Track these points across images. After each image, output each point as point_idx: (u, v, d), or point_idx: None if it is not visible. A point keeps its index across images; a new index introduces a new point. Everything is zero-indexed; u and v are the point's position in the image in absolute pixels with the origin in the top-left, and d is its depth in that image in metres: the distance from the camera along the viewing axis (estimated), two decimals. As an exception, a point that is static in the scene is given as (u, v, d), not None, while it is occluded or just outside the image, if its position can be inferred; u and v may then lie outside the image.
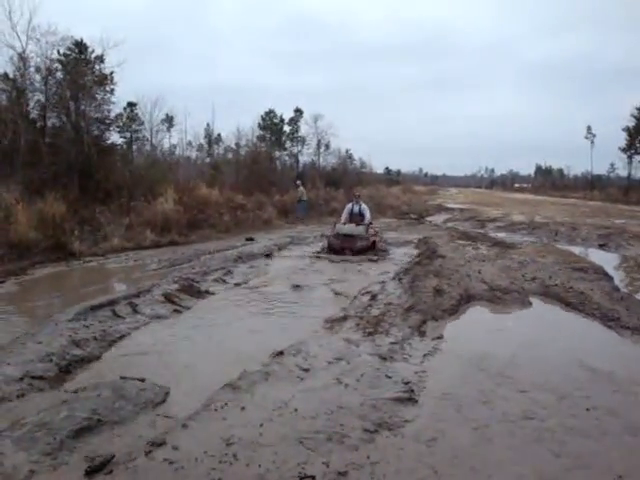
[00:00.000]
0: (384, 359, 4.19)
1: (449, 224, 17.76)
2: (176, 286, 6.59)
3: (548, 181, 67.34)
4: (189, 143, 31.44)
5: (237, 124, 51.30)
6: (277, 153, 30.37)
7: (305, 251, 10.52)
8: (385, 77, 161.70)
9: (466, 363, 4.22)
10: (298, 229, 15.51)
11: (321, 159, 32.27)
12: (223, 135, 33.21)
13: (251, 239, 12.45)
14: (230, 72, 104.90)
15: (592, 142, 46.16)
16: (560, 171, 71.04)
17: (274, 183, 21.47)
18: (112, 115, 17.39)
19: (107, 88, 16.23)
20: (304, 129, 32.61)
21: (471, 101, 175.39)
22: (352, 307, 5.88)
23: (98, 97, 16.02)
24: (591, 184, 47.52)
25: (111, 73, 16.08)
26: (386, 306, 5.82)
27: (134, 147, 25.81)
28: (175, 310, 5.82)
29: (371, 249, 10.17)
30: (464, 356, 4.37)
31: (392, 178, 52.47)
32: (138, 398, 3.40)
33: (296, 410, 3.24)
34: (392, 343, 4.57)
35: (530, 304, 6.25)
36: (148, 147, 25.43)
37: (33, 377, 3.70)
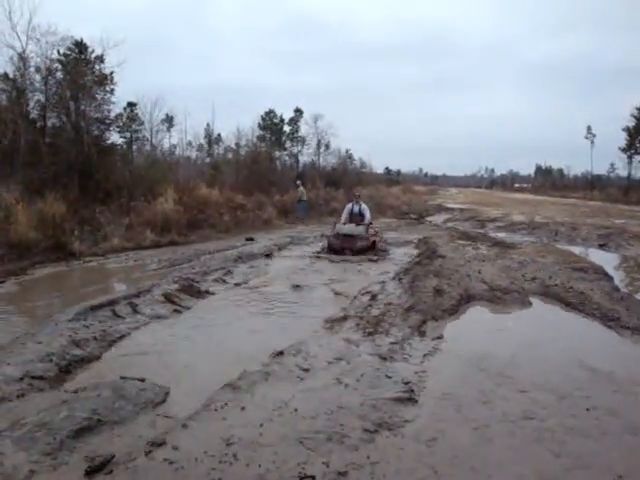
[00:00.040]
0: (384, 359, 4.19)
1: (449, 224, 17.76)
2: (176, 286, 6.59)
3: (548, 181, 67.36)
4: (189, 143, 31.50)
5: (237, 124, 51.38)
6: (277, 153, 30.38)
7: (305, 251, 10.52)
8: (385, 77, 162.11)
9: (466, 363, 4.22)
10: (298, 229, 15.51)
11: (321, 159, 32.32)
12: (223, 135, 33.27)
13: (251, 239, 12.46)
14: (230, 72, 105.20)
15: (592, 142, 46.22)
16: (560, 171, 71.15)
17: (274, 183, 21.48)
18: (112, 115, 17.44)
19: (107, 88, 16.25)
20: (304, 129, 32.67)
21: (471, 101, 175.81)
22: (352, 307, 5.88)
23: (98, 97, 16.04)
24: (591, 184, 47.52)
25: (111, 73, 16.12)
26: (386, 306, 5.82)
27: (134, 147, 25.83)
28: (175, 310, 5.82)
29: (371, 249, 10.17)
30: (464, 356, 4.37)
31: (392, 178, 52.47)
32: (138, 398, 3.40)
33: (296, 410, 3.24)
34: (392, 343, 4.57)
35: (530, 304, 6.25)
36: (148, 147, 25.47)
37: (33, 377, 3.70)
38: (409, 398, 3.47)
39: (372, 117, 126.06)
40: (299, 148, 32.65)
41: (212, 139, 32.23)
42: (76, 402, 3.26)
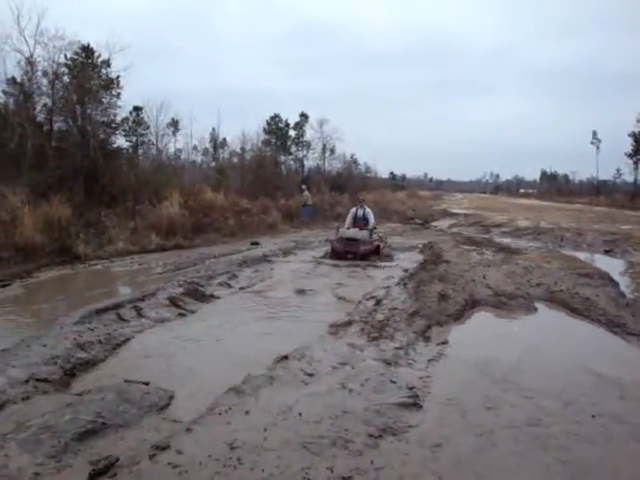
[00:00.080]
0: (389, 364, 4.18)
1: (454, 229, 17.72)
2: (181, 290, 6.60)
3: (553, 187, 67.22)
4: (194, 147, 31.64)
5: (242, 128, 51.24)
6: (282, 157, 30.43)
7: (310, 255, 10.53)
8: (389, 82, 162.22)
9: (471, 368, 4.20)
10: (303, 233, 15.53)
11: (326, 164, 32.33)
12: (228, 139, 33.24)
13: (256, 243, 12.48)
14: (236, 77, 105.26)
15: (598, 147, 46.23)
16: (565, 177, 70.99)
17: (279, 187, 21.52)
18: (118, 119, 17.55)
19: (113, 92, 16.36)
20: (309, 134, 32.65)
21: (475, 106, 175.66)
22: (357, 312, 5.87)
23: (104, 101, 16.14)
24: (597, 190, 47.39)
25: (117, 77, 16.24)
26: (391, 311, 5.81)
27: (140, 151, 25.91)
28: (180, 314, 5.83)
29: (375, 254, 10.15)
30: (469, 361, 4.35)
31: (397, 183, 52.46)
32: (142, 401, 3.40)
33: (300, 415, 3.23)
34: (397, 348, 4.56)
35: (535, 310, 6.22)
36: (154, 151, 25.49)
37: (38, 380, 3.70)
38: (414, 403, 3.46)
39: (376, 122, 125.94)
40: (304, 152, 32.69)
41: (217, 143, 32.28)
42: (81, 405, 3.27)
